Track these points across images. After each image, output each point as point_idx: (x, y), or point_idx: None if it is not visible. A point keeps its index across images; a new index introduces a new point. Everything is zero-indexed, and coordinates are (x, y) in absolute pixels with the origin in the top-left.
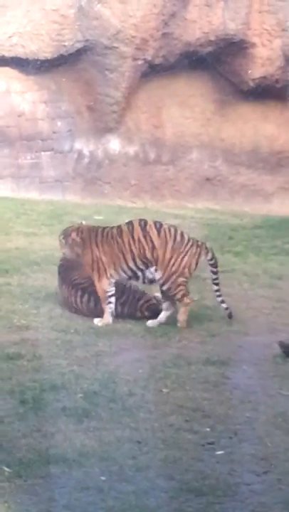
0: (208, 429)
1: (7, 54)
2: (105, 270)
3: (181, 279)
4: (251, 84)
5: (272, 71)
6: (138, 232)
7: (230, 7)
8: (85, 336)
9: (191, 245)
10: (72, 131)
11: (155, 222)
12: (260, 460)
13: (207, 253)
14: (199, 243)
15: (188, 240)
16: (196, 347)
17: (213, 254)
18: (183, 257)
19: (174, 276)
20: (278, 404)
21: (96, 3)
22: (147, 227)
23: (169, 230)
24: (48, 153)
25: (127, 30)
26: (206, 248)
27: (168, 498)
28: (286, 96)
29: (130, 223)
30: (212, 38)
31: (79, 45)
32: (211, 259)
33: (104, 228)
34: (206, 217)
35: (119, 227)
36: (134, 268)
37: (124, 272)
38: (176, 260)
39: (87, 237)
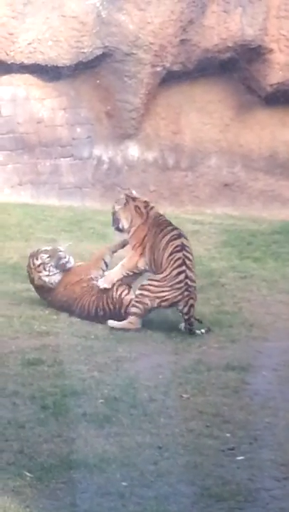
0: (228, 435)
1: (26, 61)
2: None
3: None
4: (269, 89)
5: None
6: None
7: (247, 13)
8: (106, 341)
9: None
10: (91, 137)
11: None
12: (281, 466)
13: None
14: None
15: None
16: (216, 352)
17: None
18: None
19: None
20: None
21: (115, 10)
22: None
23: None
24: (68, 159)
25: (146, 37)
26: None
27: (189, 503)
28: None
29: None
30: (230, 44)
31: (98, 52)
32: None
33: (165, 221)
34: (225, 222)
35: (170, 229)
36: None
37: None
38: None
39: (151, 217)
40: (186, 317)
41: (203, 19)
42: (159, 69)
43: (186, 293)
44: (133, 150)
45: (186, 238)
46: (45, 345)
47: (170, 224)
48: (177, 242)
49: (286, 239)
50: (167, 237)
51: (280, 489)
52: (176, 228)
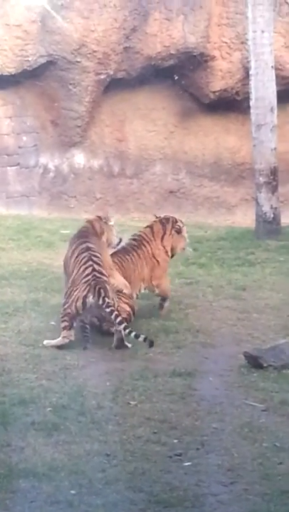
0: (175, 441)
1: None
2: None
3: None
4: (212, 96)
5: (232, 84)
6: None
7: (189, 21)
8: (53, 349)
9: None
10: (37, 145)
11: None
12: (227, 471)
13: None
14: None
15: None
16: (163, 359)
17: None
18: None
19: None
20: (244, 415)
21: (58, 18)
22: None
23: None
24: (14, 168)
25: (89, 45)
26: None
27: (137, 510)
28: (247, 108)
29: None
30: (173, 52)
31: (42, 60)
32: None
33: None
34: None
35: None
36: None
37: None
38: None
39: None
40: (108, 312)
41: (145, 27)
42: (103, 76)
43: (93, 282)
44: (79, 158)
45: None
46: None
47: (81, 234)
48: (83, 245)
49: (231, 245)
50: (74, 246)
51: (226, 494)
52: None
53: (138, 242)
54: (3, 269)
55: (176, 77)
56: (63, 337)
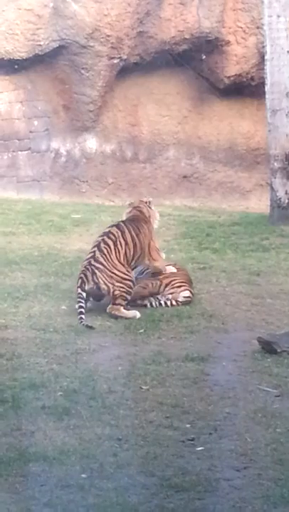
0: (188, 426)
1: None
2: None
3: None
4: (227, 81)
5: (247, 68)
6: None
7: (204, 5)
8: (64, 334)
9: None
10: (48, 130)
11: None
12: (240, 455)
13: None
14: None
15: None
16: (175, 344)
17: None
18: None
19: None
20: (257, 400)
21: (71, 3)
22: None
23: None
24: (25, 152)
25: (102, 29)
26: None
27: (149, 494)
28: (262, 93)
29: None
30: (187, 36)
31: (54, 45)
32: None
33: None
34: (184, 214)
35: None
36: None
37: None
38: None
39: None
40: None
41: (159, 11)
42: (116, 61)
43: (83, 269)
44: (91, 142)
45: (121, 230)
46: (3, 338)
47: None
48: (105, 230)
49: (245, 230)
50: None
51: (239, 479)
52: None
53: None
54: (14, 253)
55: (191, 63)
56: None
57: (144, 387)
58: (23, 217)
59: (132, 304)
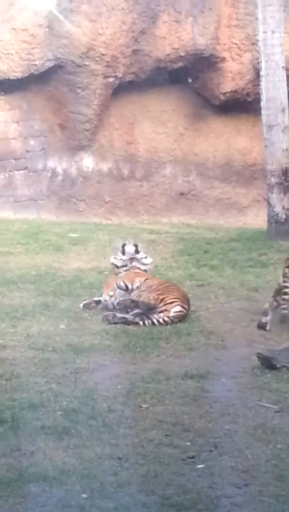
0: (188, 443)
1: None
2: None
3: None
4: (222, 98)
5: (242, 85)
6: None
7: (199, 22)
8: (63, 353)
9: None
10: (45, 149)
11: None
12: (241, 472)
13: None
14: None
15: None
16: (175, 361)
17: None
18: None
19: None
20: (258, 416)
21: (65, 22)
22: None
23: None
24: (22, 172)
25: (97, 48)
26: None
27: None
28: (257, 109)
29: None
30: (182, 54)
31: (49, 64)
32: None
33: None
34: (181, 231)
35: None
36: None
37: None
38: None
39: None
40: None
41: (154, 29)
42: (111, 80)
43: None
44: (87, 161)
45: None
46: (2, 358)
47: None
48: None
49: (243, 246)
50: None
51: (240, 496)
52: None
53: None
54: (12, 273)
55: (189, 80)
56: None
57: (143, 405)
58: (20, 236)
59: (122, 322)
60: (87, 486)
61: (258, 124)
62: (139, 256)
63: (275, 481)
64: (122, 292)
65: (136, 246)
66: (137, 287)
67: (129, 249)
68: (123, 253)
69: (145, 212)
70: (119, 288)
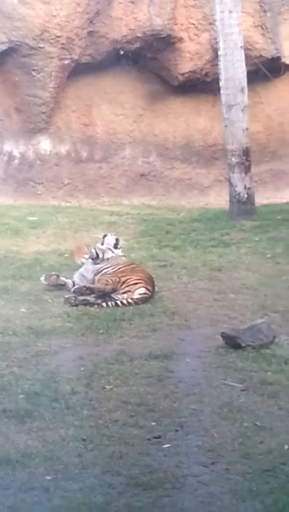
0: (153, 424)
1: None
2: None
3: None
4: (181, 78)
5: (201, 65)
6: None
7: (155, 3)
8: (24, 336)
9: None
10: (1, 133)
11: None
12: (207, 451)
13: None
14: None
15: None
16: (138, 342)
17: None
18: None
19: None
20: (223, 395)
21: (19, 4)
22: None
23: None
24: None
25: (52, 30)
26: None
27: (116, 494)
28: (217, 89)
29: None
30: (139, 35)
31: (3, 47)
32: None
33: None
34: (143, 212)
35: None
36: None
37: None
38: None
39: None
40: None
41: (110, 10)
42: (67, 62)
43: None
44: (45, 144)
45: None
46: None
47: None
48: None
49: (205, 226)
50: None
51: (207, 474)
52: None
53: None
54: None
55: (144, 61)
56: None
57: (107, 386)
58: None
59: (84, 304)
60: (51, 468)
61: (218, 104)
62: (116, 251)
63: (241, 459)
64: (82, 277)
65: (117, 240)
66: (107, 259)
67: (109, 240)
68: (102, 243)
69: (105, 194)
70: (91, 256)
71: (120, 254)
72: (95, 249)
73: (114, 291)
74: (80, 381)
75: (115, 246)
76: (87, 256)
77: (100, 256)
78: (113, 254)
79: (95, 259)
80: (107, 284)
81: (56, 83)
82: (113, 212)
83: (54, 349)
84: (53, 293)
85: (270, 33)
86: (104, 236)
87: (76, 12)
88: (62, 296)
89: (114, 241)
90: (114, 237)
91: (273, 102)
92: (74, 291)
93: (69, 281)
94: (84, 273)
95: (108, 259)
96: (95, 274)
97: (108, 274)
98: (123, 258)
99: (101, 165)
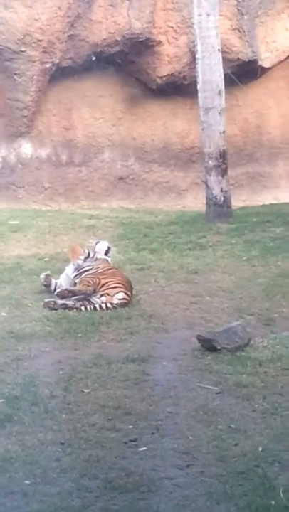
0: (130, 427)
1: None
2: None
3: None
4: (159, 81)
5: (179, 68)
6: None
7: (134, 6)
8: (4, 340)
9: None
10: None
11: None
12: (183, 454)
13: None
14: None
15: None
16: (116, 345)
17: None
18: None
19: None
20: (198, 398)
21: (1, 8)
22: None
23: None
24: None
25: (34, 34)
26: None
27: (93, 497)
28: (194, 92)
29: None
30: (118, 38)
31: None
32: None
33: None
34: (121, 216)
35: None
36: None
37: None
38: None
39: None
40: None
41: (90, 14)
42: (48, 65)
43: None
44: (26, 148)
45: None
46: None
47: None
48: None
49: (182, 229)
50: None
51: (182, 477)
52: None
53: None
54: None
55: (123, 65)
56: None
57: (85, 390)
58: None
59: (63, 308)
60: (30, 472)
61: (195, 107)
62: (107, 258)
63: (216, 462)
64: (67, 278)
65: (108, 248)
66: (95, 259)
67: (102, 246)
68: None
69: (84, 197)
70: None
71: (109, 260)
72: (88, 250)
73: (94, 291)
74: (59, 385)
75: (106, 253)
76: (82, 257)
77: (91, 255)
78: (102, 257)
79: (86, 258)
80: (88, 286)
81: (37, 87)
82: (92, 215)
83: (34, 353)
84: (32, 297)
85: (247, 36)
86: (97, 243)
87: (57, 16)
88: (41, 300)
89: (106, 248)
90: (107, 244)
91: (250, 104)
92: (57, 294)
93: (53, 282)
94: (68, 273)
95: (96, 259)
96: (75, 276)
97: (89, 275)
98: (107, 262)
99: (80, 168)
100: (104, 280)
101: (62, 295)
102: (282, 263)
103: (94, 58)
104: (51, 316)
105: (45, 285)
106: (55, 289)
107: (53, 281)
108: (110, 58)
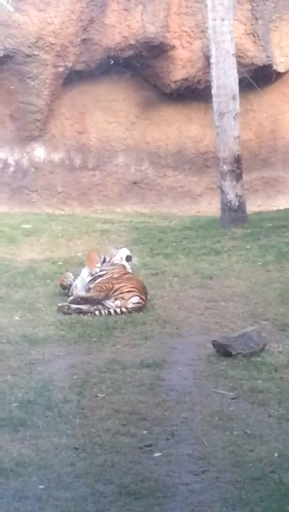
0: (145, 432)
1: None
2: None
3: None
4: (173, 86)
5: (193, 72)
6: None
7: (148, 11)
8: (18, 345)
9: None
10: None
11: None
12: (198, 460)
13: None
14: None
15: None
16: (130, 350)
17: None
18: None
19: None
20: (214, 403)
21: (14, 12)
22: None
23: None
24: None
25: (46, 38)
26: None
27: (107, 502)
28: (209, 97)
29: None
30: (132, 42)
31: None
32: None
33: None
34: (135, 220)
35: None
36: None
37: None
38: None
39: None
40: None
41: (103, 18)
42: (61, 69)
43: None
44: (39, 152)
45: None
46: None
47: None
48: None
49: (197, 234)
50: None
51: (198, 483)
52: None
53: None
54: None
55: (137, 69)
56: None
57: (99, 395)
58: None
59: (77, 313)
60: (44, 477)
61: (210, 111)
62: (126, 264)
63: (231, 467)
64: (82, 281)
65: (129, 256)
66: (112, 264)
67: (123, 253)
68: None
69: (98, 201)
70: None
71: (128, 267)
72: (104, 255)
73: (106, 297)
74: (73, 389)
75: (127, 259)
76: (99, 265)
77: (107, 260)
78: (118, 262)
79: (102, 262)
80: (100, 291)
81: (51, 91)
82: (106, 220)
83: (47, 357)
84: (46, 301)
85: (262, 41)
86: (120, 248)
87: (70, 19)
88: (55, 304)
89: (126, 255)
90: (127, 252)
91: (265, 109)
92: (70, 301)
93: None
94: (84, 276)
95: (112, 264)
96: (90, 281)
97: (103, 280)
98: (124, 267)
99: (94, 173)
100: (119, 285)
101: (76, 302)
102: None
103: (110, 62)
104: (65, 320)
105: (62, 286)
106: (69, 290)
107: (72, 281)
108: (124, 62)
